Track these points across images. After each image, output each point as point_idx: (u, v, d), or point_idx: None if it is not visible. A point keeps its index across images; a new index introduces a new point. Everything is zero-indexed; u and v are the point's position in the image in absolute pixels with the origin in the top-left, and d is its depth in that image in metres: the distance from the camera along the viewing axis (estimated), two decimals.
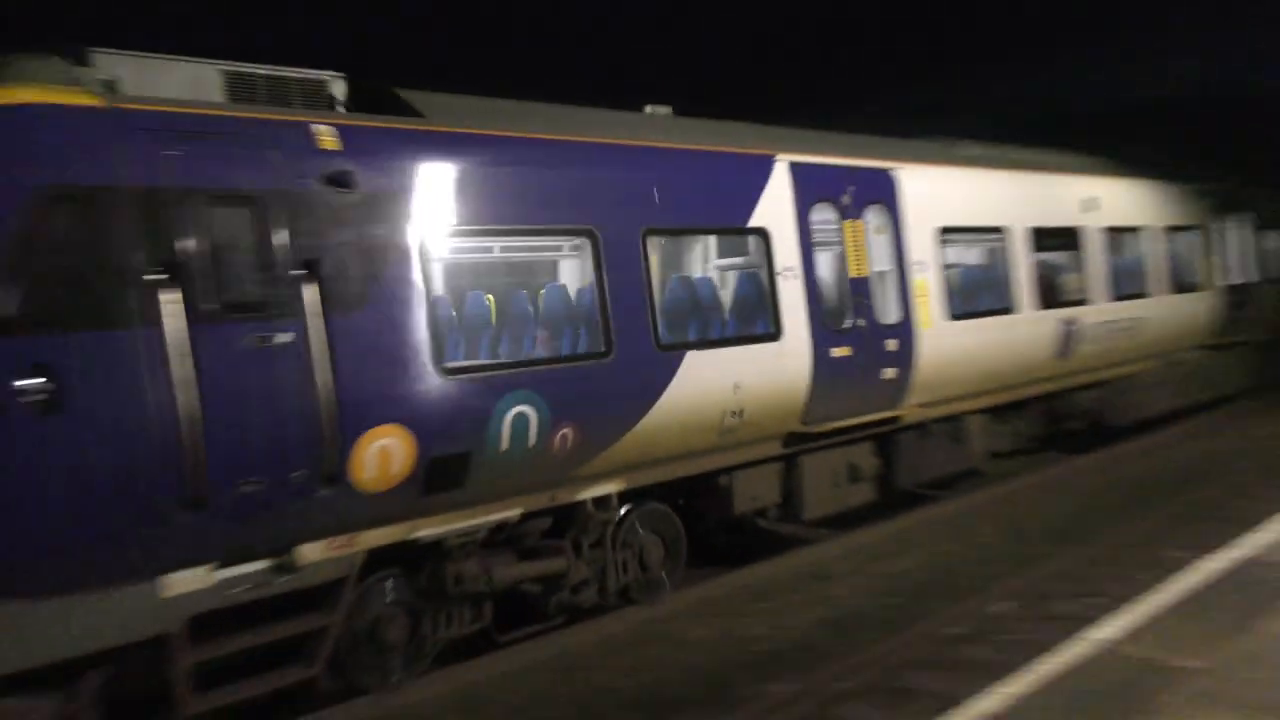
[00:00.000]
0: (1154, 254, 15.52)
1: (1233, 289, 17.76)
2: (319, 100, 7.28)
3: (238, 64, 6.92)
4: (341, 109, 7.41)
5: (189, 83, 6.63)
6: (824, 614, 9.28)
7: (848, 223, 10.34)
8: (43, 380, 5.44)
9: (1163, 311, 15.45)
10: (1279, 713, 5.40)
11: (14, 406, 5.35)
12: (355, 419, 6.57)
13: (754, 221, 9.45)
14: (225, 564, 6.41)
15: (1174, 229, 16.19)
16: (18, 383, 5.38)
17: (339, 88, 7.48)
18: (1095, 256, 14.11)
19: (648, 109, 10.11)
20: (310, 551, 6.73)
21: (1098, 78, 30.09)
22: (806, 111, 13.99)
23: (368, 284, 6.74)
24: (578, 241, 8.34)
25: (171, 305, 5.90)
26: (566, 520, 8.51)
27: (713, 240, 9.88)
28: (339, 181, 6.71)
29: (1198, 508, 12.03)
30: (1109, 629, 6.69)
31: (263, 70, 7.02)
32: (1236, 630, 6.49)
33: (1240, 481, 13.17)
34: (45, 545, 5.59)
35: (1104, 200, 14.50)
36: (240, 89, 6.84)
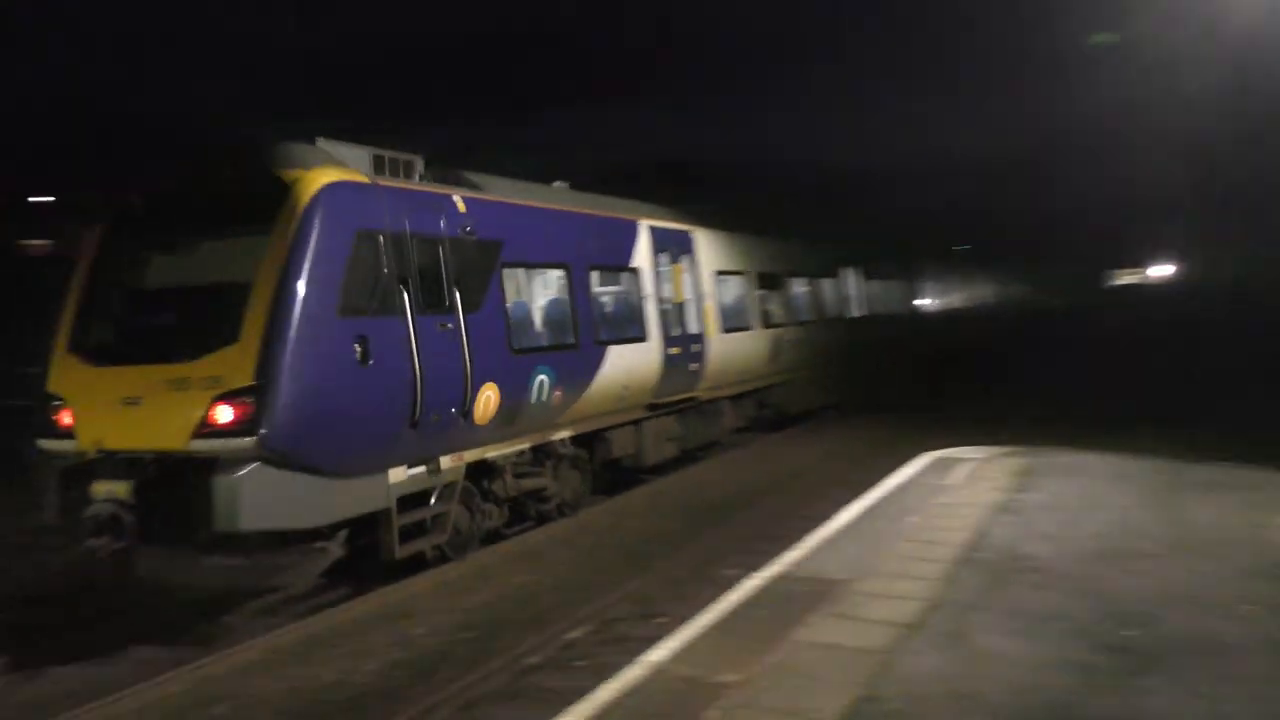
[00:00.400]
0: (818, 293, 22.59)
1: (852, 320, 24.79)
2: (411, 173, 10.82)
3: (377, 149, 10.36)
4: (418, 177, 10.94)
5: (354, 159, 10.04)
6: (402, 655, 9.11)
7: (675, 265, 15.81)
8: (359, 345, 9.15)
9: (821, 333, 22.17)
10: (805, 716, 6.04)
11: (350, 359, 9.03)
12: (478, 377, 10.61)
13: (632, 263, 14.68)
14: (411, 466, 10.19)
15: (824, 277, 23.22)
16: (356, 346, 9.10)
17: (420, 165, 10.98)
18: (791, 294, 21.01)
19: (556, 184, 14.57)
20: (446, 461, 10.70)
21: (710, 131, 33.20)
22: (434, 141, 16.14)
23: (481, 294, 10.94)
24: (560, 271, 12.90)
25: (406, 303, 9.76)
26: (544, 454, 12.83)
27: (615, 274, 14.44)
28: (467, 231, 10.93)
29: (755, 526, 13.24)
30: (661, 651, 7.15)
31: (388, 153, 10.44)
32: (769, 643, 7.20)
33: (793, 501, 14.72)
34: (352, 446, 9.23)
35: (800, 254, 21.83)
36: (380, 165, 10.38)
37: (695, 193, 23.06)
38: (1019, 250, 66.18)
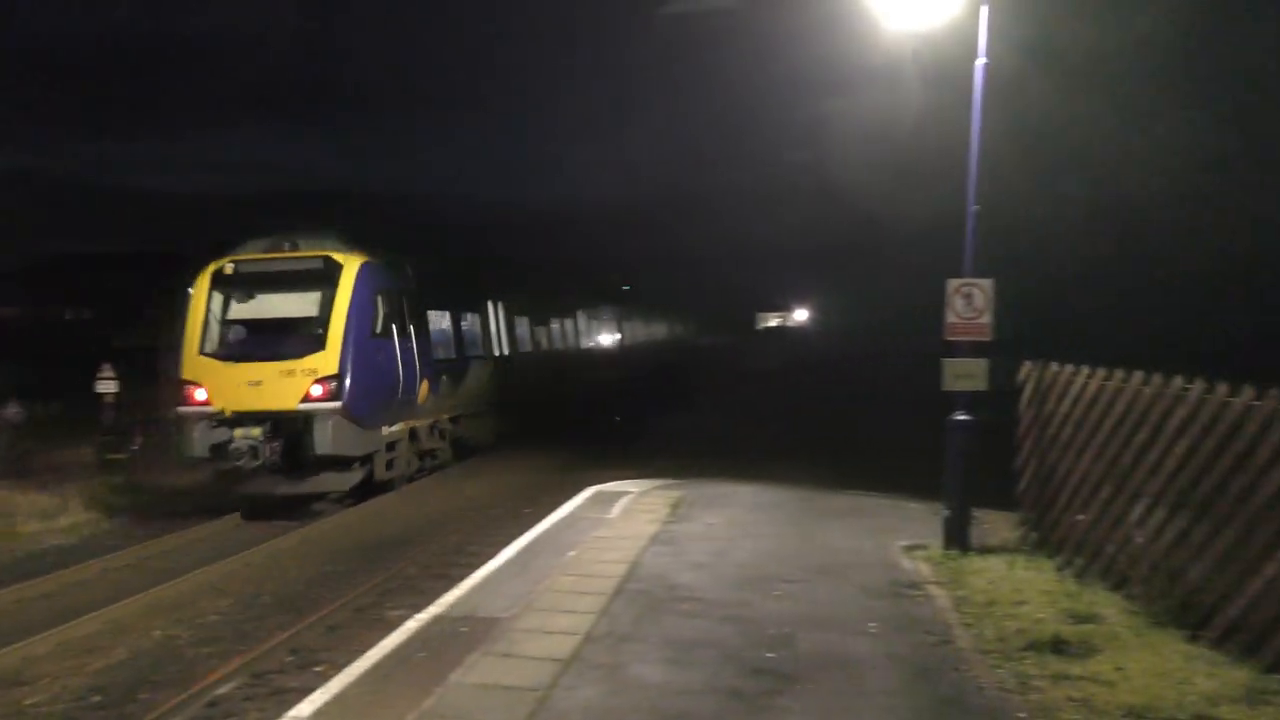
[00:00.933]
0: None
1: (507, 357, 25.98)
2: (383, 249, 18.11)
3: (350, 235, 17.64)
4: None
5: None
6: None
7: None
8: (377, 354, 16.51)
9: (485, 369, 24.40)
10: None
11: (374, 362, 16.58)
12: (420, 375, 18.03)
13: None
14: (390, 425, 17.12)
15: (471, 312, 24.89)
16: (376, 355, 16.74)
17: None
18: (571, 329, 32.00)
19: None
20: (401, 425, 17.72)
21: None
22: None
23: (420, 325, 18.71)
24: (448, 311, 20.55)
25: (393, 329, 17.07)
26: (437, 427, 19.93)
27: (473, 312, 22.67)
28: (412, 286, 18.39)
29: (424, 563, 13.03)
30: (309, 704, 6.86)
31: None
32: (427, 688, 7.12)
33: (464, 536, 14.66)
34: (374, 410, 16.23)
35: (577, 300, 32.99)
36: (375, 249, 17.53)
37: (357, 222, 23.19)
38: (682, 292, 76.57)
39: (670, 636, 8.19)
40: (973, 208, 10.61)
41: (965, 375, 10.63)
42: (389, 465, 17.62)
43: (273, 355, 15.70)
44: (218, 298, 16.48)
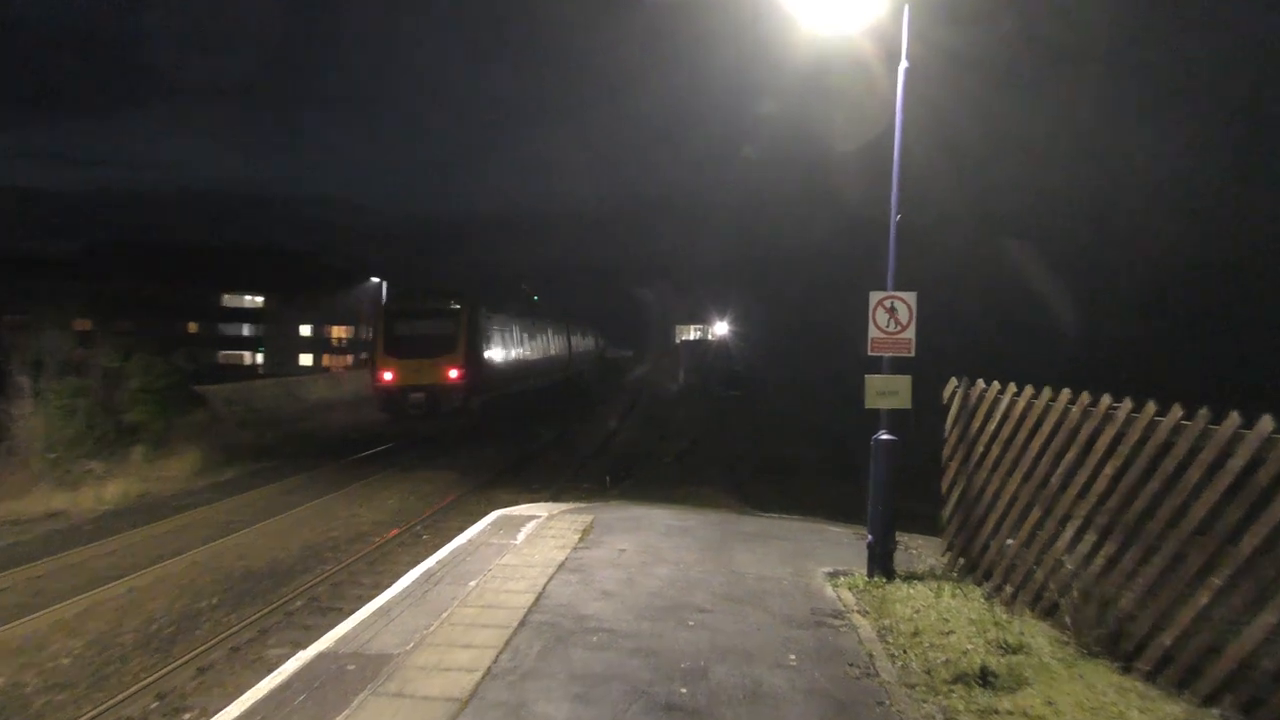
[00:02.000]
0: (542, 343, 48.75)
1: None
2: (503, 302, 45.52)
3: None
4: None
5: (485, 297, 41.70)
6: None
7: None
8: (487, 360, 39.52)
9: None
10: None
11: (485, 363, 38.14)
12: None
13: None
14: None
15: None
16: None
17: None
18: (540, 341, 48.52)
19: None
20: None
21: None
22: None
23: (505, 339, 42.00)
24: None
25: (492, 344, 40.05)
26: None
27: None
28: (505, 321, 42.43)
29: (309, 596, 12.46)
30: None
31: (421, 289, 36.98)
32: None
33: (356, 566, 14.09)
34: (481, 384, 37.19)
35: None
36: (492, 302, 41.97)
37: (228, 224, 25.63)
38: (596, 303, 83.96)
39: (577, 671, 7.80)
40: (895, 217, 10.51)
41: (888, 392, 10.50)
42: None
43: (427, 353, 32.75)
44: (393, 321, 33.73)
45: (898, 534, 10.88)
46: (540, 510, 14.89)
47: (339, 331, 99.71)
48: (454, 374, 33.07)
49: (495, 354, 37.95)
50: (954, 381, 10.87)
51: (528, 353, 44.87)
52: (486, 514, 14.67)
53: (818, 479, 20.96)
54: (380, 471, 24.70)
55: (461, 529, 14.01)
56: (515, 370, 42.15)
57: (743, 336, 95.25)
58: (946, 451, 10.80)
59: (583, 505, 15.70)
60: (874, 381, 10.51)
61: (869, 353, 10.58)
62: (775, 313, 72.67)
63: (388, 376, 32.83)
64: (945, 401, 10.94)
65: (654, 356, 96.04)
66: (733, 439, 29.56)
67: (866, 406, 10.54)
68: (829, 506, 14.66)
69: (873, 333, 10.50)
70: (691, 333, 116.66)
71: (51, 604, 11.97)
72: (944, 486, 10.82)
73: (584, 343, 65.37)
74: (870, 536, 10.67)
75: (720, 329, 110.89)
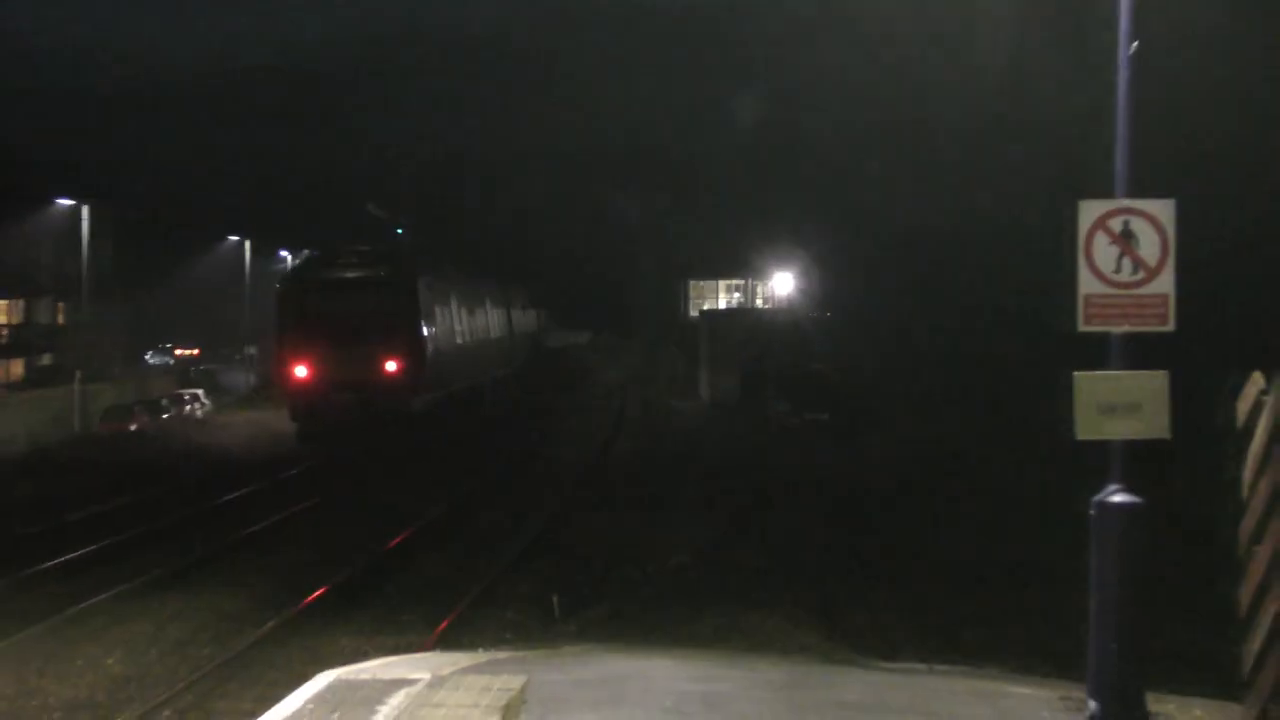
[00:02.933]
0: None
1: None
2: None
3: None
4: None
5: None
6: None
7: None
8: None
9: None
10: None
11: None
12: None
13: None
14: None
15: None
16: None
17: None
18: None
19: None
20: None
21: None
22: None
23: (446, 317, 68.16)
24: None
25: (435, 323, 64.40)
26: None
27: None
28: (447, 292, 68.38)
29: None
30: None
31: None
32: None
33: None
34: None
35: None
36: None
37: None
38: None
39: None
40: (1127, 50, 10.45)
41: (1123, 407, 10.29)
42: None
43: (362, 336, 49.91)
44: (307, 298, 52.55)
45: (1153, 696, 10.83)
46: (418, 669, 14.64)
47: None
48: (393, 365, 42.07)
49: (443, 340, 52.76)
50: (1259, 380, 10.56)
51: (470, 339, 61.42)
52: (308, 679, 14.40)
53: (978, 583, 20.67)
54: (112, 585, 24.83)
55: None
56: (462, 363, 54.57)
57: (825, 303, 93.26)
58: (1248, 523, 10.50)
59: (506, 656, 15.56)
60: (1092, 386, 10.30)
61: (1080, 325, 10.64)
62: (876, 267, 72.44)
63: (302, 373, 40.73)
64: (1240, 423, 10.64)
65: (642, 347, 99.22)
66: (814, 512, 29.41)
67: (1080, 436, 10.32)
68: (1009, 639, 14.39)
69: (1088, 284, 10.43)
70: (723, 297, 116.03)
71: None
72: (1244, 595, 10.53)
73: (522, 321, 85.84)
74: (1092, 704, 10.44)
75: (781, 287, 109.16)
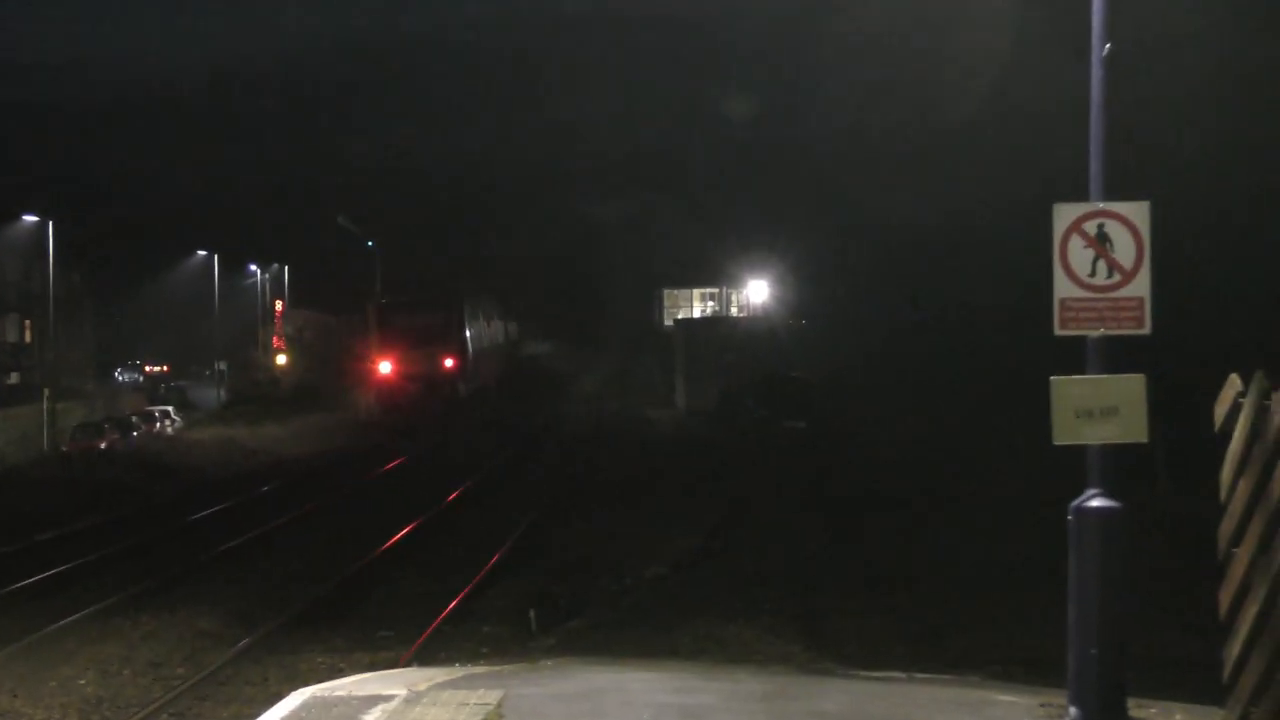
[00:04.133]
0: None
1: None
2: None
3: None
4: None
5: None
6: None
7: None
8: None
9: None
10: None
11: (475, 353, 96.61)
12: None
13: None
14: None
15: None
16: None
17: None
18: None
19: None
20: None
21: None
22: None
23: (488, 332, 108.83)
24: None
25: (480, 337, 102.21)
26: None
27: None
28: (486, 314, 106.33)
29: None
30: None
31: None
32: None
33: None
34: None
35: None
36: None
37: None
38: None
39: None
40: (1101, 50, 10.58)
41: (1100, 411, 10.35)
42: None
43: (427, 342, 76.34)
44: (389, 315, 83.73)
45: (1135, 702, 10.87)
46: (393, 685, 14.64)
47: None
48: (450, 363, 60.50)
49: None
50: (1236, 383, 10.60)
51: (489, 345, 79.74)
52: (281, 697, 14.41)
53: (960, 589, 20.73)
54: (84, 605, 24.78)
55: None
56: (487, 362, 74.10)
57: (801, 313, 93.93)
58: (1227, 525, 10.54)
59: (482, 670, 15.57)
60: (1070, 390, 10.36)
61: (1056, 329, 10.69)
62: (863, 271, 72.84)
63: (385, 368, 57.65)
64: (1218, 427, 10.68)
65: (616, 356, 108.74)
66: (793, 520, 29.45)
67: (1056, 441, 10.37)
68: (993, 648, 14.39)
69: (1063, 289, 10.52)
70: (697, 305, 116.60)
71: None
72: (1224, 598, 10.57)
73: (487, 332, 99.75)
74: (1073, 711, 10.49)
75: (756, 295, 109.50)
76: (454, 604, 24.16)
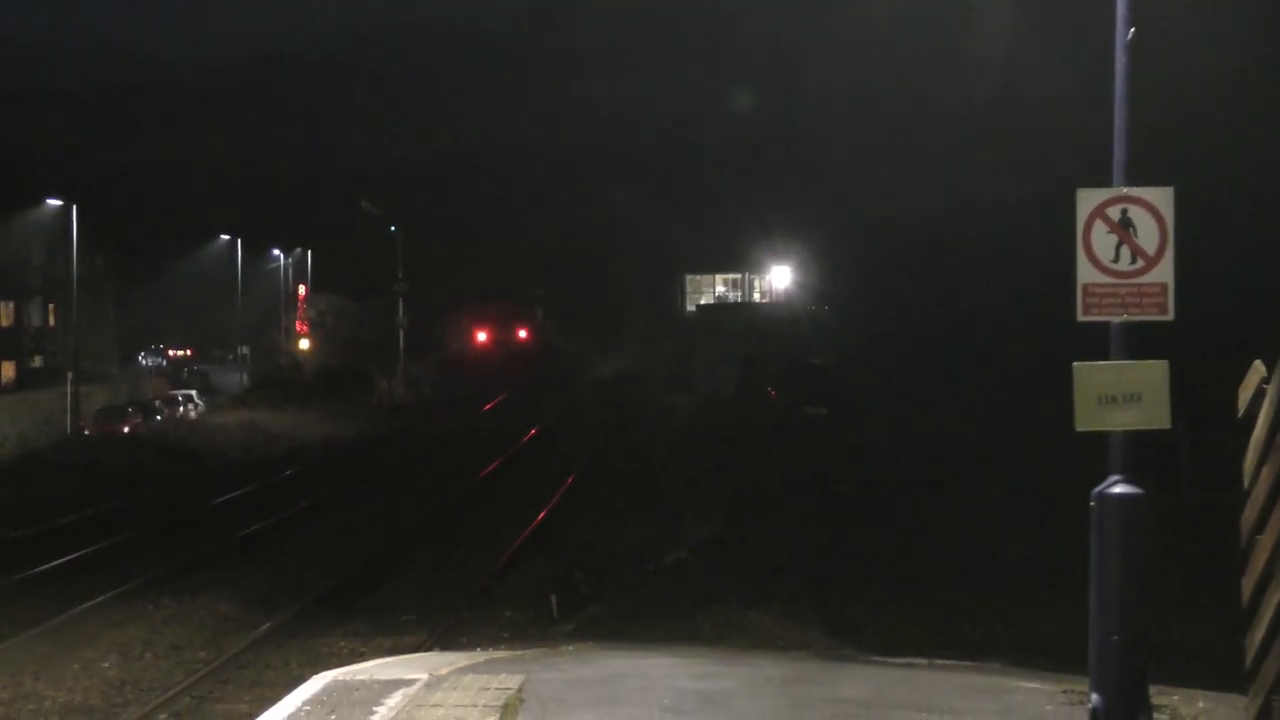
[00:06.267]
0: None
1: None
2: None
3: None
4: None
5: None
6: None
7: None
8: None
9: None
10: None
11: None
12: None
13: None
14: None
15: None
16: None
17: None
18: None
19: None
20: None
21: None
22: None
23: None
24: None
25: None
26: None
27: None
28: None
29: None
30: None
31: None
32: None
33: None
34: None
35: None
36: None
37: None
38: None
39: None
40: (1125, 34, 10.43)
41: (1122, 397, 10.26)
42: None
43: None
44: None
45: (1156, 689, 10.80)
46: (414, 670, 14.62)
47: None
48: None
49: None
50: (1260, 369, 10.53)
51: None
52: (303, 680, 14.38)
53: (980, 577, 20.64)
54: (107, 589, 24.81)
55: None
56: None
57: (824, 297, 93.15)
58: (1249, 513, 10.47)
59: (504, 655, 15.49)
60: (1093, 376, 10.28)
61: (1079, 315, 10.60)
62: (893, 254, 72.15)
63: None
64: (1241, 413, 10.61)
65: (637, 342, 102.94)
66: (813, 507, 29.37)
67: (1079, 427, 10.29)
68: (1012, 636, 14.31)
69: (1086, 274, 10.44)
70: (718, 290, 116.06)
71: None
72: (1246, 585, 10.50)
73: None
74: (1095, 698, 10.42)
75: (778, 281, 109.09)
76: (485, 584, 24.30)
